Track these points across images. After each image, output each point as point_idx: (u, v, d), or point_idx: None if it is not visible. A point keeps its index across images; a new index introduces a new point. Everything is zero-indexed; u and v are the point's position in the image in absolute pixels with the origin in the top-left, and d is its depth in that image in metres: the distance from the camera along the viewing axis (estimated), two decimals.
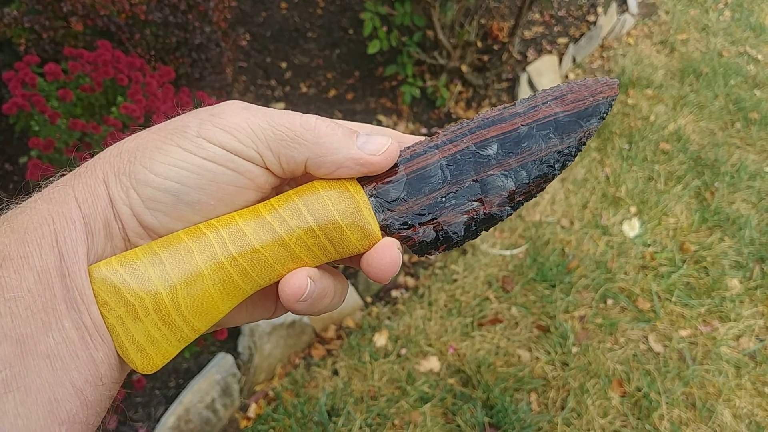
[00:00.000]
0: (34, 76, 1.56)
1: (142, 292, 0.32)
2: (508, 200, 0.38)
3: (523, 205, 0.39)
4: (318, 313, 0.38)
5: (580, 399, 1.98)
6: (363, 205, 0.36)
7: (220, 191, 0.34)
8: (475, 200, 0.38)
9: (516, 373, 2.04)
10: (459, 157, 0.38)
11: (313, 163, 0.35)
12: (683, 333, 2.18)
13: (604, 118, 0.39)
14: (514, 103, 0.40)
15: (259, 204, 0.36)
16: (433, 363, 2.06)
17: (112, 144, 0.36)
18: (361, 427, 1.89)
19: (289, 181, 0.40)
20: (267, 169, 0.35)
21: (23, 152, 2.02)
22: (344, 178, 0.37)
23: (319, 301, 0.37)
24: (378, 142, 0.36)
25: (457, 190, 0.38)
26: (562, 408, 1.96)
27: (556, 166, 0.39)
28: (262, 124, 0.34)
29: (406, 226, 0.38)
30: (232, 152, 0.34)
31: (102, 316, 0.32)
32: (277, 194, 0.38)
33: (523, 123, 0.39)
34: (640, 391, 2.01)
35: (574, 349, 2.11)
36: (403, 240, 0.38)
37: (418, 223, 0.38)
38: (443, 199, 0.38)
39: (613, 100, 0.39)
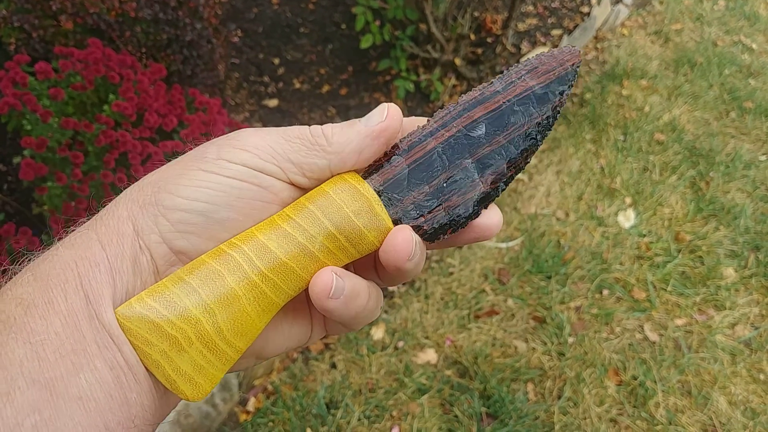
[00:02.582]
0: (24, 75, 1.56)
1: (182, 323, 0.32)
2: (501, 176, 0.40)
3: (513, 179, 0.41)
4: (355, 317, 0.38)
5: (576, 388, 1.98)
6: (375, 203, 0.37)
7: (247, 207, 0.35)
8: (473, 181, 0.39)
9: (513, 364, 2.04)
10: (452, 141, 0.39)
11: (336, 163, 0.36)
12: (679, 322, 2.19)
13: (572, 85, 0.41)
14: (492, 82, 0.41)
15: (274, 216, 0.36)
16: (430, 355, 2.07)
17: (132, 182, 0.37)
18: (359, 419, 1.90)
19: None
20: (290, 183, 0.36)
21: (16, 152, 2.02)
22: (348, 177, 0.37)
23: (353, 300, 0.36)
24: (378, 112, 0.37)
25: (455, 174, 0.39)
26: (559, 397, 1.97)
27: (538, 137, 0.40)
28: (276, 139, 0.35)
29: (416, 216, 0.39)
30: (254, 169, 0.34)
31: (144, 354, 0.32)
32: None
33: (504, 100, 0.40)
34: (636, 379, 2.01)
35: (571, 340, 2.12)
36: (415, 230, 0.39)
37: (427, 212, 0.39)
38: (444, 184, 0.39)
39: (578, 66, 0.41)
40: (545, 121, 0.40)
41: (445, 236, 0.40)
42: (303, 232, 0.35)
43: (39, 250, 0.34)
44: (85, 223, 0.35)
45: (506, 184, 0.40)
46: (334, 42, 3.31)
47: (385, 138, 0.37)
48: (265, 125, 2.85)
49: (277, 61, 3.16)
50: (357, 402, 1.94)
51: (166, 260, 0.34)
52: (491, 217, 0.40)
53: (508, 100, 0.40)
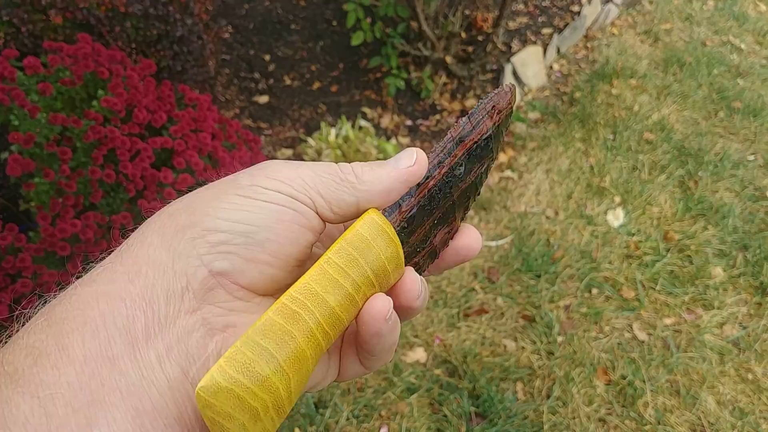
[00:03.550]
0: (13, 70, 1.54)
1: (264, 393, 0.31)
2: (467, 210, 0.43)
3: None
4: (395, 343, 0.38)
5: (565, 387, 1.99)
6: (400, 248, 0.38)
7: (286, 230, 0.34)
8: (453, 218, 0.41)
9: (502, 363, 2.05)
10: (445, 179, 0.40)
11: (365, 200, 0.36)
12: (667, 321, 2.20)
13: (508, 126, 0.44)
14: (459, 122, 0.41)
15: (321, 262, 0.35)
16: (419, 354, 2.07)
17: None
18: (348, 419, 1.89)
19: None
20: (318, 215, 0.36)
21: (3, 147, 2.00)
22: (377, 217, 0.37)
23: (398, 325, 0.37)
24: (407, 155, 0.38)
25: (443, 213, 0.40)
26: (548, 397, 1.98)
27: (487, 173, 0.43)
28: (307, 172, 0.35)
29: (414, 255, 0.40)
30: (288, 195, 0.34)
31: (220, 428, 0.30)
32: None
33: (474, 140, 0.41)
34: (624, 379, 2.02)
35: (560, 339, 2.13)
36: (414, 267, 0.40)
37: (421, 250, 0.40)
38: (435, 222, 0.40)
39: (512, 105, 0.43)
40: (493, 156, 0.43)
41: (426, 269, 0.41)
42: (351, 281, 0.35)
43: (54, 292, 0.31)
44: (105, 258, 0.33)
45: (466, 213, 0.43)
46: (325, 39, 3.29)
47: (413, 183, 0.38)
48: (255, 122, 2.83)
49: (267, 57, 3.14)
50: (346, 401, 1.94)
51: (204, 284, 0.32)
52: (471, 236, 0.41)
53: (476, 142, 0.41)
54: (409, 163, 0.37)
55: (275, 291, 0.35)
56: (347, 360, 0.40)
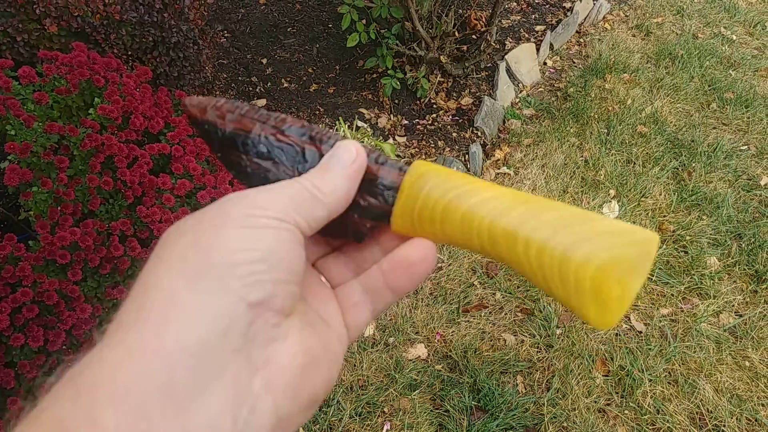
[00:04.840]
0: (8, 79, 1.56)
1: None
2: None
3: None
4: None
5: (564, 379, 2.01)
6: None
7: (290, 249, 0.34)
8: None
9: (502, 357, 2.07)
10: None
11: (333, 211, 0.37)
12: (664, 311, 2.22)
13: None
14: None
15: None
16: (420, 350, 2.09)
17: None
18: (351, 417, 1.91)
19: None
20: (300, 231, 0.36)
21: (1, 157, 2.02)
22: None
23: None
24: (346, 151, 0.38)
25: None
26: (548, 389, 2.00)
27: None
28: (281, 197, 0.35)
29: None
30: (277, 219, 0.34)
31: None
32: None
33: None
34: (623, 369, 2.04)
35: (558, 331, 2.15)
36: None
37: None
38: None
39: None
40: None
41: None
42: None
43: (80, 353, 0.29)
44: (122, 316, 0.30)
45: None
46: (321, 41, 3.32)
47: (361, 175, 0.38)
48: None
49: (264, 61, 3.16)
50: (348, 399, 1.96)
51: (245, 321, 0.30)
52: (417, 248, 0.39)
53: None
54: (351, 158, 0.38)
55: (294, 308, 0.35)
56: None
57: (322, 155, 0.39)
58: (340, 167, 0.38)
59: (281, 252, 0.33)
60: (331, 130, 0.42)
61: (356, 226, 0.39)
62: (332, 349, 0.36)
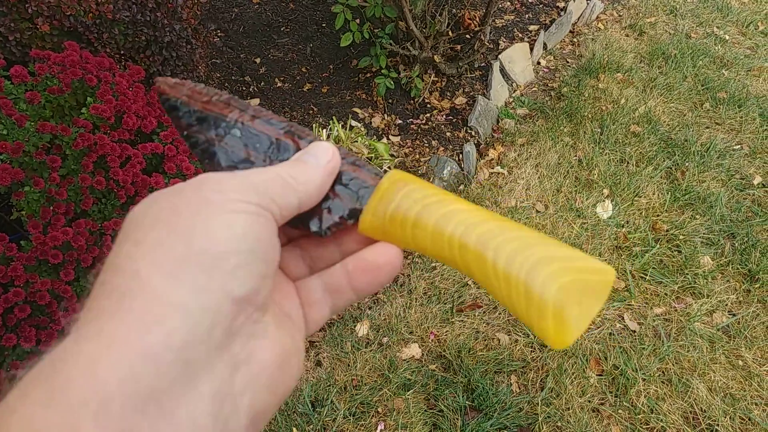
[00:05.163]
0: (0, 79, 1.56)
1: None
2: None
3: None
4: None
5: (558, 379, 2.01)
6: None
7: (270, 238, 0.32)
8: None
9: (496, 356, 2.07)
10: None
11: (305, 199, 0.36)
12: (657, 310, 2.23)
13: None
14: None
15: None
16: (414, 350, 2.09)
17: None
18: (345, 417, 1.91)
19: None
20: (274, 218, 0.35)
21: None
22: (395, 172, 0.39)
23: None
24: (323, 150, 0.38)
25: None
26: (542, 388, 2.00)
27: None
28: (257, 180, 0.34)
29: None
30: (257, 205, 0.32)
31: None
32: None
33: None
34: (617, 368, 2.05)
35: None
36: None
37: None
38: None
39: None
40: None
41: None
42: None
43: (51, 344, 0.26)
44: (93, 303, 0.28)
45: None
46: (314, 41, 3.31)
47: (334, 176, 0.38)
48: None
49: (258, 60, 3.16)
50: (342, 399, 1.95)
51: (229, 317, 0.29)
52: (384, 252, 0.38)
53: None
54: (328, 157, 0.38)
55: (270, 300, 0.34)
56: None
57: (298, 149, 0.39)
58: (316, 162, 0.37)
59: (265, 242, 0.32)
60: (309, 130, 0.42)
61: (325, 220, 0.39)
62: (297, 344, 0.35)
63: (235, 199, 0.31)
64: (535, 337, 2.13)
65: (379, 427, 1.89)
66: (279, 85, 3.04)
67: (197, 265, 0.28)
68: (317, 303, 0.39)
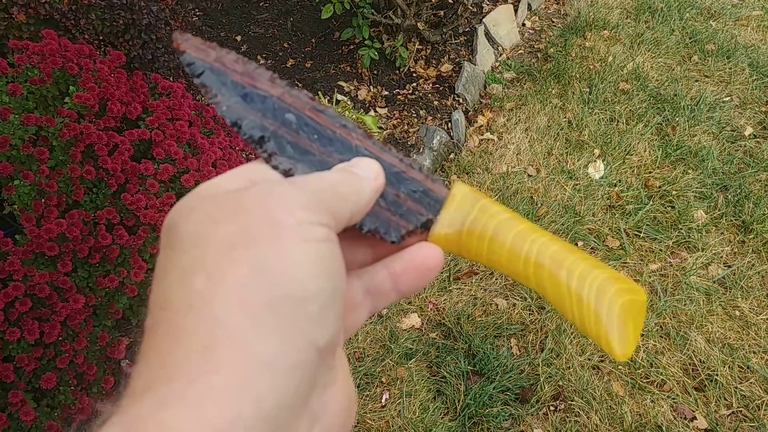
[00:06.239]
0: None
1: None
2: None
3: None
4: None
5: (558, 339, 2.04)
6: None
7: (342, 270, 0.29)
8: None
9: (495, 321, 2.09)
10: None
11: (357, 213, 0.33)
12: (653, 267, 2.25)
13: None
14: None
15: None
16: (414, 320, 2.11)
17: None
18: None
19: None
20: None
21: None
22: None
23: None
24: (370, 168, 0.35)
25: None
26: (542, 350, 2.02)
27: None
28: (325, 192, 0.31)
29: None
30: (327, 227, 0.29)
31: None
32: None
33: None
34: None
35: None
36: None
37: None
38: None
39: None
40: None
41: None
42: None
43: (107, 405, 0.24)
44: (155, 349, 0.25)
45: None
46: (294, 14, 3.26)
47: (378, 194, 0.35)
48: None
49: (239, 38, 3.11)
50: None
51: (313, 368, 0.26)
52: (432, 253, 0.36)
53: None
54: (374, 175, 0.35)
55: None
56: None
57: (350, 144, 0.38)
58: (366, 176, 0.34)
59: (342, 276, 0.28)
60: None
61: (401, 228, 0.37)
62: (351, 378, 0.32)
63: (306, 221, 0.27)
64: (532, 300, 2.15)
65: (384, 397, 1.92)
66: (261, 62, 3.01)
67: (282, 312, 0.25)
68: (358, 307, 0.36)
